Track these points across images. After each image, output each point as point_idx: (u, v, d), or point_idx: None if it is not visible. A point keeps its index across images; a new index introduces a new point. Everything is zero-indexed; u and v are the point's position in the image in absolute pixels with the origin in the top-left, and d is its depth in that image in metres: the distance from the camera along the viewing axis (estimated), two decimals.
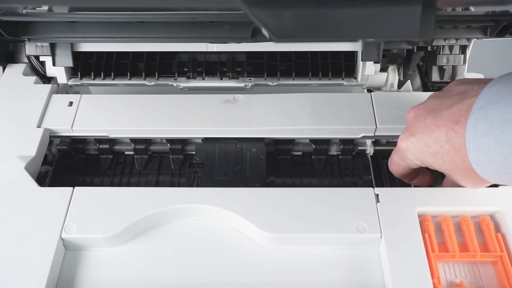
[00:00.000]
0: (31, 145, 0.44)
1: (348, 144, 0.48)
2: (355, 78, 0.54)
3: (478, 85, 0.35)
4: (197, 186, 0.44)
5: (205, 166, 0.45)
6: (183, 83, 0.54)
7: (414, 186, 0.44)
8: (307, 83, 0.54)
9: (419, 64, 0.57)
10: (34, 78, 0.52)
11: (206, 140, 0.47)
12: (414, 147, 0.37)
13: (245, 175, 0.44)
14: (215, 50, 0.52)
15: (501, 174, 0.33)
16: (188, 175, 0.46)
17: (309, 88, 0.54)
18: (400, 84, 0.56)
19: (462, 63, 0.53)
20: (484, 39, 0.51)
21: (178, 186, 0.47)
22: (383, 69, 0.54)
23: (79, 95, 0.49)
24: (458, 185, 0.40)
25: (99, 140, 0.49)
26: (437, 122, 0.36)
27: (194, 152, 0.48)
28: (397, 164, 0.41)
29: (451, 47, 0.53)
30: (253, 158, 0.44)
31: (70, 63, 0.52)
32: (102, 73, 0.54)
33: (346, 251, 0.39)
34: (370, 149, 0.48)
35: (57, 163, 0.48)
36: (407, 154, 0.39)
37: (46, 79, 0.55)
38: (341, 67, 0.54)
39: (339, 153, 0.49)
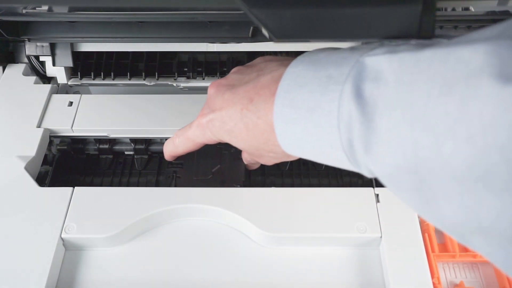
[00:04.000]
0: (31, 145, 0.44)
1: None
2: None
3: (276, 62, 0.34)
4: (175, 186, 0.44)
5: (184, 166, 0.45)
6: (183, 83, 0.54)
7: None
8: None
9: None
10: (34, 78, 0.52)
11: None
12: (213, 124, 0.35)
13: (223, 175, 0.44)
14: (215, 50, 0.52)
15: (312, 159, 0.31)
16: (166, 175, 0.46)
17: None
18: None
19: None
20: None
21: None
22: None
23: (79, 95, 0.49)
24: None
25: (99, 140, 0.49)
26: (234, 98, 0.34)
27: None
28: (191, 141, 0.38)
29: None
30: (232, 158, 0.44)
31: (70, 63, 0.52)
32: (102, 73, 0.54)
33: (346, 251, 0.39)
34: None
35: (57, 163, 0.48)
36: (207, 131, 0.36)
37: (46, 79, 0.55)
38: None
39: None
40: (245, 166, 0.44)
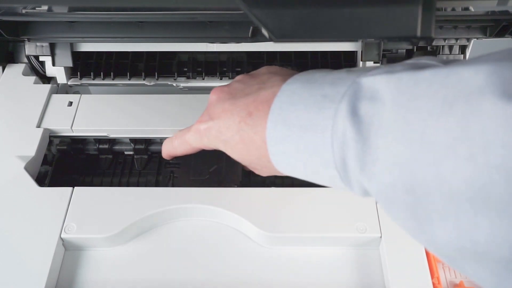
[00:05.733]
0: (30, 145, 0.44)
1: None
2: None
3: (279, 76, 0.34)
4: (173, 186, 0.44)
5: (181, 166, 0.45)
6: (183, 83, 0.54)
7: None
8: None
9: None
10: (33, 78, 0.52)
11: None
12: (209, 132, 0.35)
13: (220, 175, 0.44)
14: (215, 50, 0.52)
15: (303, 178, 0.31)
16: (163, 175, 0.46)
17: None
18: None
19: None
20: (484, 39, 0.51)
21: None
22: None
23: (79, 95, 0.49)
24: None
25: (99, 140, 0.49)
26: (233, 109, 0.33)
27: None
28: (189, 145, 0.38)
29: (450, 47, 0.53)
30: (230, 159, 0.44)
31: (69, 63, 0.52)
32: (101, 73, 0.54)
33: (346, 251, 0.39)
34: None
35: (56, 163, 0.48)
36: (203, 138, 0.36)
37: (45, 79, 0.55)
38: (341, 67, 0.54)
39: None
40: (242, 167, 0.44)
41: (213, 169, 0.44)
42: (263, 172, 0.37)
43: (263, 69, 0.37)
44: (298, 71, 0.33)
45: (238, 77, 0.37)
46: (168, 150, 0.41)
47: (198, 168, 0.45)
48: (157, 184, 0.47)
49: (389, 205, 0.25)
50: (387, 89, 0.24)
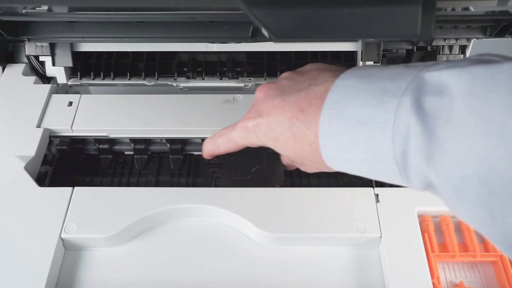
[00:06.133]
0: (30, 145, 0.44)
1: None
2: None
3: (330, 72, 0.33)
4: (215, 186, 0.43)
5: (223, 166, 0.45)
6: (183, 83, 0.54)
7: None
8: None
9: None
10: (33, 78, 0.52)
11: None
12: (258, 129, 0.35)
13: (263, 175, 0.44)
14: (215, 50, 0.52)
15: (355, 172, 0.31)
16: (206, 175, 0.45)
17: None
18: None
19: None
20: (484, 39, 0.51)
21: (178, 186, 0.47)
22: None
23: (79, 95, 0.49)
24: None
25: (99, 140, 0.49)
26: (284, 106, 0.33)
27: (194, 152, 0.48)
28: (234, 143, 0.38)
29: (450, 47, 0.53)
30: (271, 158, 0.44)
31: (69, 63, 0.52)
32: (101, 73, 0.54)
33: (346, 251, 0.39)
34: None
35: (56, 163, 0.48)
36: (251, 135, 0.36)
37: (45, 79, 0.55)
38: (341, 67, 0.54)
39: None
40: (284, 166, 0.44)
41: (255, 169, 0.44)
42: (311, 168, 0.37)
43: (310, 66, 0.37)
44: (344, 68, 0.33)
45: (285, 74, 0.37)
46: (210, 149, 0.40)
47: (240, 168, 0.44)
48: (157, 184, 0.47)
49: (458, 197, 0.25)
50: (458, 83, 0.24)
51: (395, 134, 0.26)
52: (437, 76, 0.25)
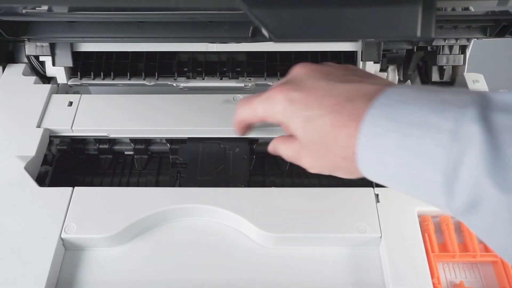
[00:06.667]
0: (30, 145, 0.44)
1: None
2: None
3: (379, 78, 0.33)
4: (180, 186, 0.44)
5: (188, 165, 0.45)
6: (183, 83, 0.54)
7: None
8: None
9: (419, 64, 0.57)
10: (34, 78, 0.52)
11: (190, 140, 0.47)
12: (292, 102, 0.32)
13: (227, 174, 0.44)
14: (215, 50, 0.52)
15: (389, 180, 0.29)
16: (170, 175, 0.46)
17: None
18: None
19: (462, 63, 0.53)
20: (484, 39, 0.51)
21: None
22: (383, 69, 0.54)
23: (79, 95, 0.49)
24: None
25: (99, 140, 0.49)
26: (331, 89, 0.31)
27: None
28: (252, 111, 0.35)
29: (451, 47, 0.53)
30: (237, 158, 0.44)
31: (70, 63, 0.52)
32: (102, 73, 0.54)
33: (346, 251, 0.39)
34: None
35: (57, 163, 0.48)
36: (278, 107, 0.33)
37: (46, 79, 0.55)
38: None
39: None
40: (249, 167, 0.44)
41: (220, 169, 0.44)
42: (333, 167, 0.33)
43: (349, 66, 0.35)
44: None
45: (328, 63, 0.35)
46: (240, 117, 0.37)
47: (205, 168, 0.45)
48: (157, 184, 0.47)
49: None
50: None
51: (453, 141, 0.25)
52: (504, 96, 0.25)
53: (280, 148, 0.37)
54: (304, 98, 0.32)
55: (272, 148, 0.39)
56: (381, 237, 0.38)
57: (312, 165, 0.35)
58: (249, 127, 0.39)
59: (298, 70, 0.34)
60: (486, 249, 0.38)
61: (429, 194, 0.27)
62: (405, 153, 0.27)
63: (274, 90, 0.34)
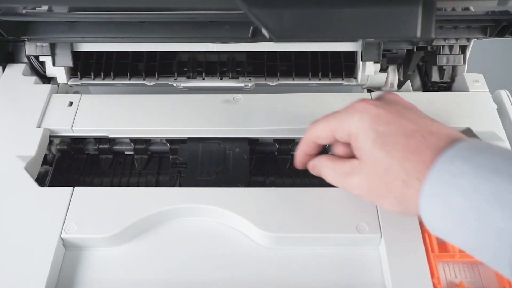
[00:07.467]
0: (31, 145, 0.44)
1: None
2: (355, 78, 0.54)
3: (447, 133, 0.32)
4: (180, 186, 0.44)
5: (188, 166, 0.45)
6: (183, 83, 0.54)
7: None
8: (307, 83, 0.54)
9: (419, 64, 0.57)
10: (34, 78, 0.52)
11: (190, 140, 0.47)
12: (373, 116, 0.32)
13: (227, 175, 0.44)
14: (215, 50, 0.52)
15: (447, 223, 0.28)
16: (170, 175, 0.46)
17: (309, 88, 0.54)
18: (400, 84, 0.56)
19: (462, 63, 0.53)
20: (484, 39, 0.51)
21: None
22: (383, 69, 0.54)
23: (79, 95, 0.49)
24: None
25: (99, 140, 0.49)
26: (413, 118, 0.32)
27: None
28: (327, 124, 0.35)
29: (451, 47, 0.53)
30: (236, 158, 0.44)
31: (70, 63, 0.52)
32: (102, 73, 0.54)
33: (346, 251, 0.39)
34: None
35: (57, 163, 0.48)
36: (357, 116, 0.32)
37: (46, 79, 0.55)
38: (341, 67, 0.54)
39: None
40: (249, 167, 0.44)
41: (220, 169, 0.44)
42: (384, 192, 0.32)
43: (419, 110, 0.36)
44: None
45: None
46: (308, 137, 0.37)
47: (205, 168, 0.45)
48: (157, 184, 0.47)
49: None
50: None
51: None
52: None
53: (326, 165, 0.37)
54: (385, 115, 0.31)
55: (312, 166, 0.38)
56: (381, 237, 0.38)
57: (361, 185, 0.34)
58: (314, 149, 0.38)
59: (386, 98, 0.35)
60: None
61: (493, 247, 0.26)
62: (479, 196, 0.26)
63: (355, 102, 0.33)
